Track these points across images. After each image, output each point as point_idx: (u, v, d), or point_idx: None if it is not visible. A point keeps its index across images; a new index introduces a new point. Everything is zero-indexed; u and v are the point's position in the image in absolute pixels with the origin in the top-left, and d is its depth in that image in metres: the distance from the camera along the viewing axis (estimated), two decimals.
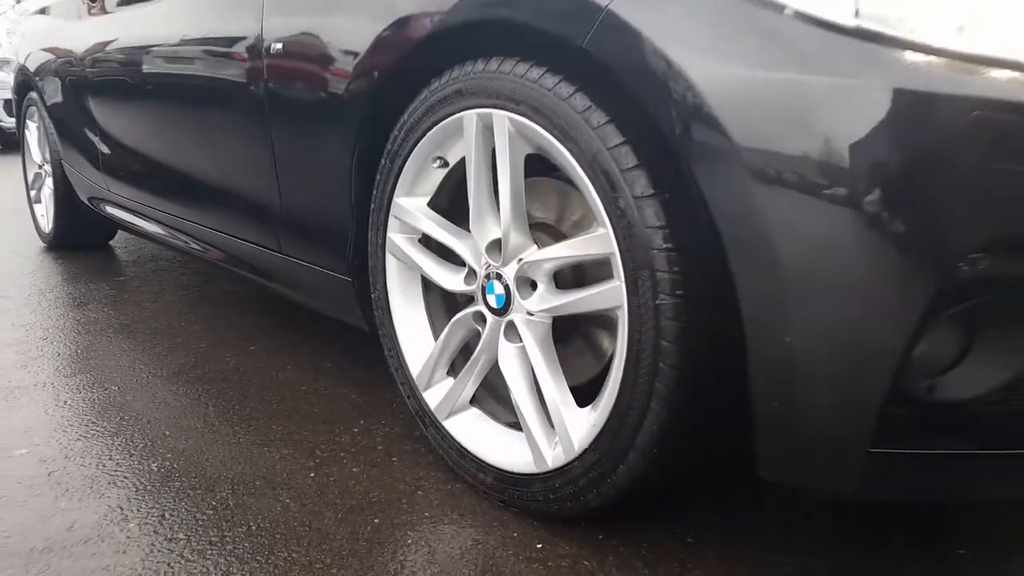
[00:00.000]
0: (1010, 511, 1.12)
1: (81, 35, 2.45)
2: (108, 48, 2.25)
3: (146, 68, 2.02)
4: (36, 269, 2.79)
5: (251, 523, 1.11)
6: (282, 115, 1.42)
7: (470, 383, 1.18)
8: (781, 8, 0.76)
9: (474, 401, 1.20)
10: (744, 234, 0.78)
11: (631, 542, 1.04)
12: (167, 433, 1.41)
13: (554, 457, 1.03)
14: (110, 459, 1.31)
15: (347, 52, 1.23)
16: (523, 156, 1.02)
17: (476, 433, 1.17)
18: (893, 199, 0.72)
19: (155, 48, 1.96)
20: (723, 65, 0.78)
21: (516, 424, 1.12)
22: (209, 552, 1.04)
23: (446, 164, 1.17)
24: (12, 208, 4.05)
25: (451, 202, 1.20)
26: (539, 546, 1.04)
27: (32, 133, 3.20)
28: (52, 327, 2.06)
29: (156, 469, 1.27)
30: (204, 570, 1.00)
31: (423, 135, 1.13)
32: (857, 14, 0.74)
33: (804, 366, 0.78)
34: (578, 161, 0.92)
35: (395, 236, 1.23)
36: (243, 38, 1.50)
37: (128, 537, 1.08)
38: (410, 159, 1.17)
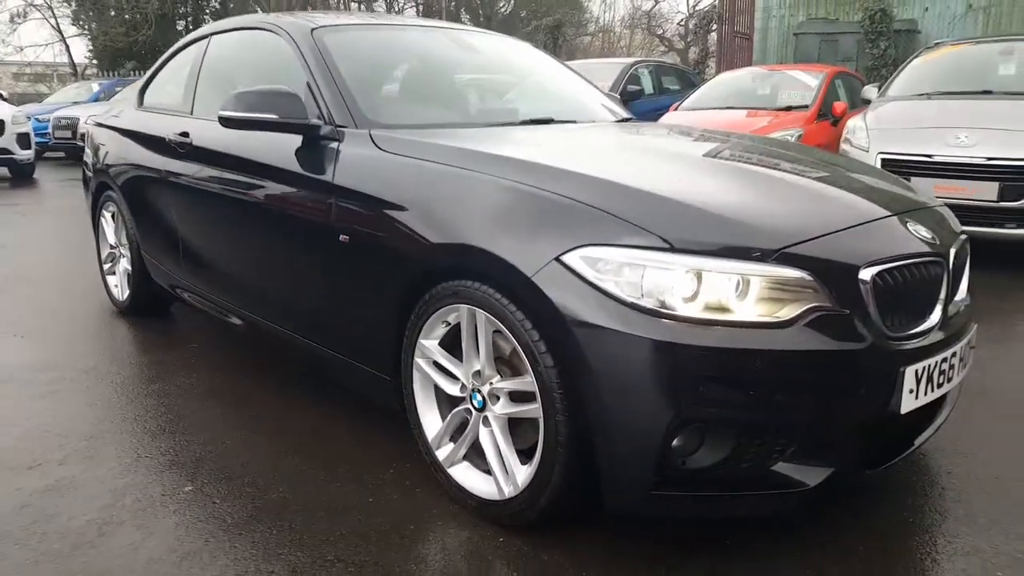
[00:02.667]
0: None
1: (170, 165, 3.26)
2: (197, 177, 3.06)
3: (232, 199, 2.85)
4: (124, 337, 3.64)
5: (342, 530, 1.99)
6: (349, 278, 2.30)
7: (463, 447, 2.07)
8: (603, 290, 1.66)
9: (465, 456, 2.09)
10: (590, 388, 1.68)
11: (551, 535, 1.93)
12: (274, 475, 2.28)
13: (509, 491, 1.92)
14: (247, 492, 2.17)
15: (389, 263, 2.12)
16: (492, 332, 1.91)
17: (467, 476, 2.06)
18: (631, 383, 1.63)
19: (242, 191, 2.79)
20: (576, 309, 1.67)
21: (489, 471, 2.00)
22: (324, 545, 1.91)
23: (449, 324, 2.05)
24: (61, 264, 4.88)
25: (452, 342, 2.08)
26: (501, 540, 1.93)
27: (108, 222, 4.03)
28: (164, 393, 2.92)
29: (276, 498, 2.14)
30: (323, 555, 1.88)
31: (435, 310, 2.02)
32: (642, 296, 1.65)
33: (618, 451, 1.68)
34: (518, 344, 1.81)
35: (419, 360, 2.12)
36: (320, 223, 2.37)
37: (278, 538, 1.95)
38: (428, 321, 2.05)
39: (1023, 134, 4.96)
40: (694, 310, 1.65)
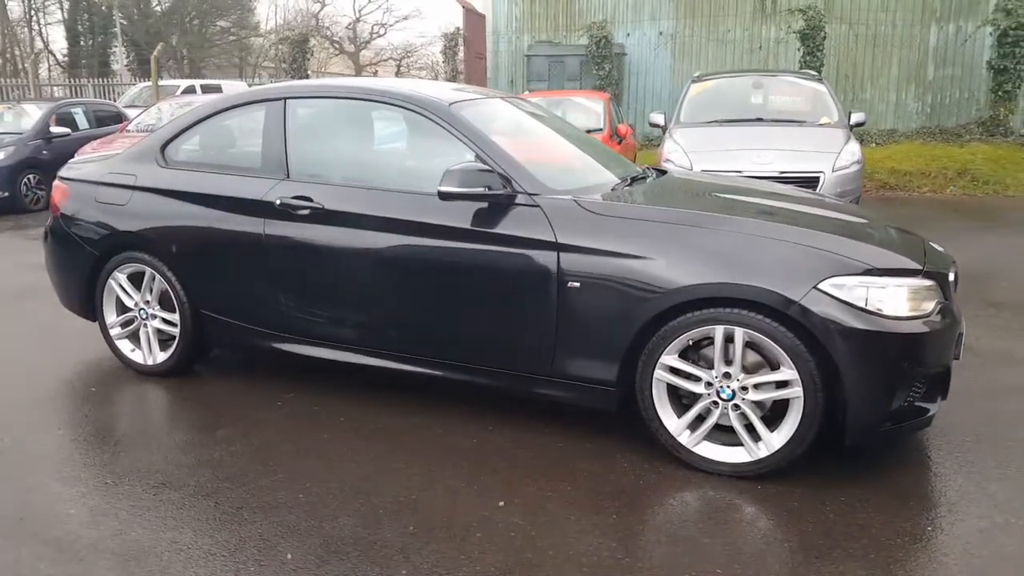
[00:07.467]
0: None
1: (276, 227, 3.38)
2: (341, 238, 3.26)
3: (404, 255, 3.17)
4: (205, 400, 3.63)
5: (645, 505, 2.65)
6: (579, 316, 2.90)
7: (703, 431, 2.85)
8: (847, 303, 2.59)
9: (704, 437, 2.86)
10: (846, 368, 2.60)
11: (783, 482, 2.80)
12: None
13: (763, 453, 2.75)
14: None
15: (629, 301, 2.80)
16: (744, 342, 2.72)
17: (712, 450, 2.84)
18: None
19: (422, 247, 3.14)
20: (834, 317, 2.59)
21: (729, 443, 2.81)
22: (646, 519, 2.57)
23: (690, 341, 2.81)
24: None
25: (686, 353, 2.83)
26: (759, 487, 2.76)
27: (123, 284, 3.84)
28: (301, 444, 3.16)
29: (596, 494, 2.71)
30: (649, 529, 2.54)
31: (683, 332, 2.77)
32: (867, 304, 2.61)
33: (863, 407, 2.64)
34: (781, 348, 2.65)
35: (659, 372, 2.84)
36: (546, 273, 2.92)
37: (615, 516, 2.56)
38: (674, 341, 2.79)
39: (798, 152, 6.86)
40: (891, 311, 2.65)
